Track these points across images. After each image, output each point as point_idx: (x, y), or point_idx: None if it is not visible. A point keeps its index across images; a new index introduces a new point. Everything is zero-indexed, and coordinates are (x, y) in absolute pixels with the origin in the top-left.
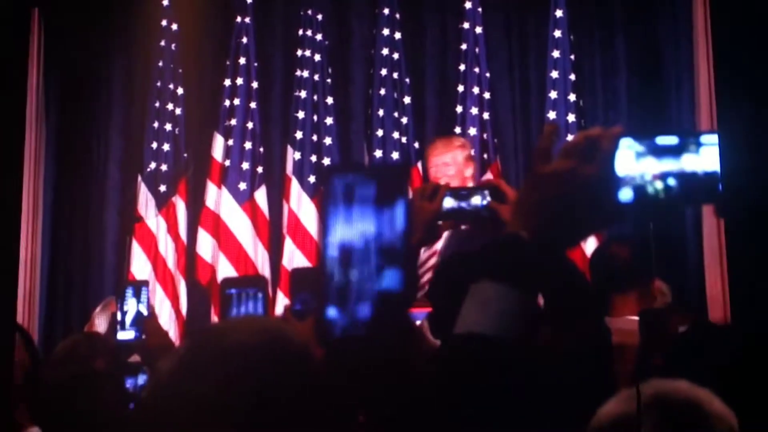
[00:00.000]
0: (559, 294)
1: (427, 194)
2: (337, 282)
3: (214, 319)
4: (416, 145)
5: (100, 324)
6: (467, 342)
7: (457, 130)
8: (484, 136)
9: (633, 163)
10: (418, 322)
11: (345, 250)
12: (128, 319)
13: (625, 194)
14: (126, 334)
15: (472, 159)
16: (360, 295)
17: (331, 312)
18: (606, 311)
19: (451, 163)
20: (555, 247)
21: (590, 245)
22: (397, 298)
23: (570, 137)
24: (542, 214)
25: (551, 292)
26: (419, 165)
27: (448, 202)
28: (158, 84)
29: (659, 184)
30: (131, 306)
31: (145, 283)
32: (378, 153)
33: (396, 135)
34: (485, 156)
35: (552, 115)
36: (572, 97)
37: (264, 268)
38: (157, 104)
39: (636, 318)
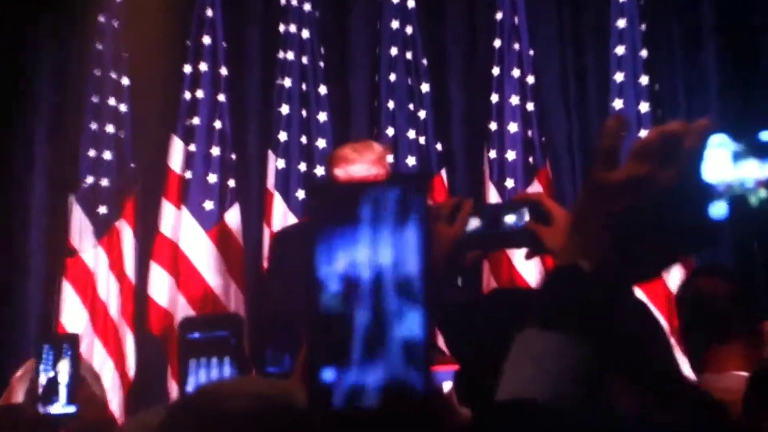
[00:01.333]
0: (633, 344)
1: (445, 214)
2: (333, 332)
3: (172, 383)
4: (438, 146)
5: (23, 393)
6: (513, 413)
7: (493, 126)
8: (528, 133)
9: (728, 166)
10: (445, 387)
11: (342, 290)
12: (53, 387)
13: (719, 208)
14: (53, 407)
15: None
16: (366, 351)
17: (327, 374)
18: (702, 366)
19: (382, 174)
20: (626, 281)
21: (674, 277)
22: (418, 355)
23: (643, 134)
24: (607, 237)
25: (622, 342)
26: (443, 173)
27: (474, 224)
28: (97, 73)
29: (764, 193)
30: (61, 369)
31: (74, 338)
32: (390, 158)
33: (411, 134)
34: (530, 160)
35: (618, 104)
36: (644, 80)
37: (238, 311)
38: (96, 99)
39: (743, 374)
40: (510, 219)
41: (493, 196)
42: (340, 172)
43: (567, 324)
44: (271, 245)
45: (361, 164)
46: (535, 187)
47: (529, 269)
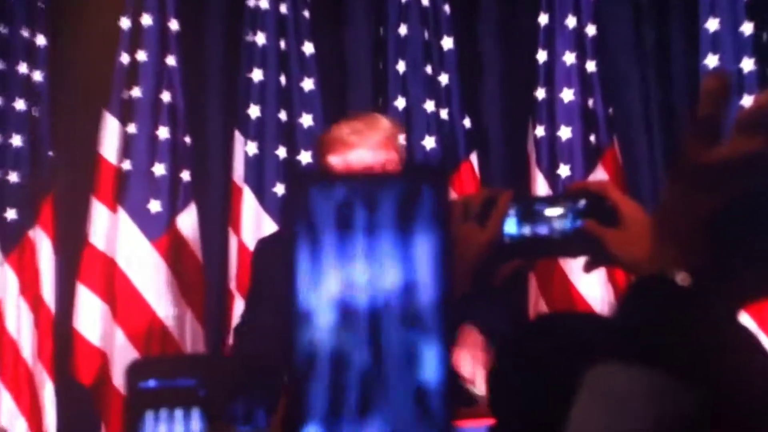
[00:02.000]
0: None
1: (474, 212)
2: (321, 378)
3: None
4: (466, 122)
5: None
6: None
7: (540, 93)
8: (589, 102)
9: None
10: None
11: (333, 322)
12: None
13: None
14: None
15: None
16: (365, 404)
17: None
18: None
19: (393, 160)
20: (732, 301)
21: None
22: (435, 407)
23: (748, 100)
24: (707, 240)
25: (731, 380)
26: (473, 158)
27: (512, 226)
28: (2, 30)
29: None
30: None
31: None
32: (401, 138)
33: (429, 105)
34: (591, 138)
35: (711, 61)
36: (747, 28)
37: (196, 348)
38: (0, 65)
39: None
40: (562, 218)
41: (540, 188)
42: (335, 161)
43: (659, 356)
44: (251, 260)
45: (365, 149)
46: (599, 175)
47: (591, 286)
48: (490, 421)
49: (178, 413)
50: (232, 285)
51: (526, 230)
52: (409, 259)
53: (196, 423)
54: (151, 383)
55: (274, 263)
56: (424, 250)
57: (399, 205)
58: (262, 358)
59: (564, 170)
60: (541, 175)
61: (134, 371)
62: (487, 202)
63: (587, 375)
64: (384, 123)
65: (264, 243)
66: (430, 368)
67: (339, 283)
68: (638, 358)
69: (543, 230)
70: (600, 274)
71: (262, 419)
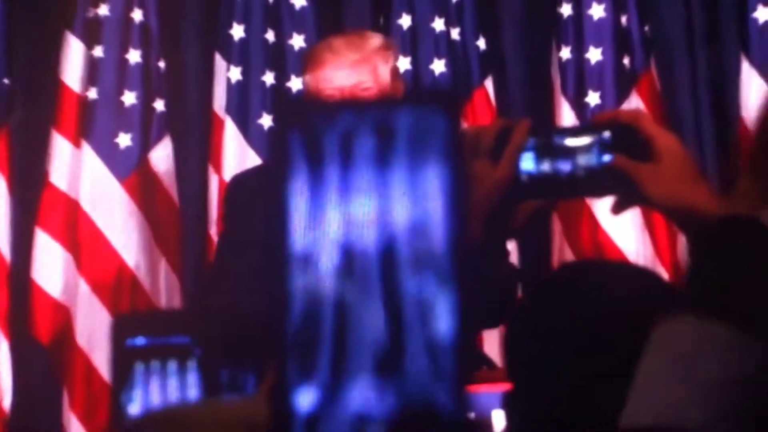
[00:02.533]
0: None
1: (488, 146)
2: (318, 335)
3: (70, 416)
4: (481, 42)
5: None
6: None
7: (565, 9)
8: (622, 20)
9: None
10: (492, 417)
11: (330, 269)
12: None
13: None
14: None
15: (400, 75)
16: (368, 364)
17: (307, 399)
18: None
19: (368, 85)
20: None
21: None
22: (447, 367)
23: None
24: None
25: None
26: (488, 85)
27: (530, 162)
28: None
29: None
30: None
31: None
32: (404, 62)
33: (438, 24)
34: (625, 62)
35: None
36: None
37: (171, 303)
38: None
39: None
40: (588, 152)
41: (565, 118)
42: (308, 80)
43: (747, 312)
44: (224, 201)
45: (338, 69)
46: (633, 104)
47: (624, 231)
48: (505, 387)
49: (172, 366)
50: (213, 230)
51: (546, 166)
52: (418, 195)
53: (193, 377)
54: (140, 340)
55: (252, 204)
56: (434, 185)
57: (406, 135)
58: (238, 313)
59: (593, 98)
60: (567, 103)
61: (121, 327)
62: (501, 135)
63: (655, 333)
64: (370, 41)
65: (239, 181)
66: (443, 321)
67: (340, 221)
68: (720, 311)
69: (565, 166)
70: (634, 218)
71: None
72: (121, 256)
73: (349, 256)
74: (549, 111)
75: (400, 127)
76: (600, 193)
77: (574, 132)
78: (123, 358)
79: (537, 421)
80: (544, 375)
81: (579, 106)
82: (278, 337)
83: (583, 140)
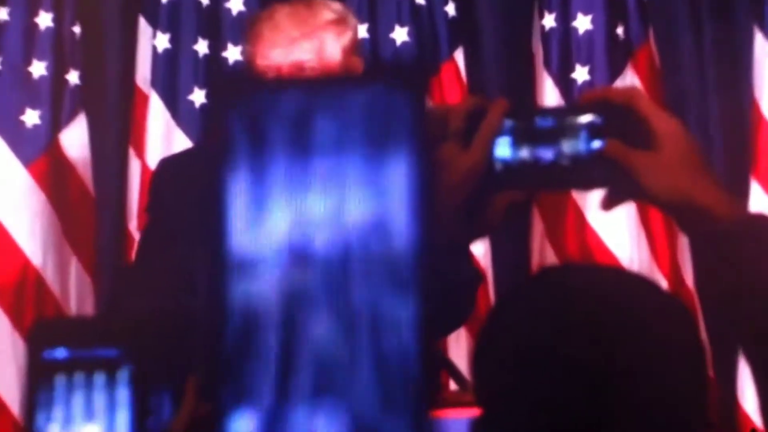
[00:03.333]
0: None
1: (457, 128)
2: (258, 349)
3: None
4: (449, 8)
5: None
6: None
7: None
8: None
9: None
10: None
11: (274, 274)
12: None
13: None
14: None
15: (358, 50)
16: (316, 383)
17: (242, 426)
18: None
19: (311, 64)
20: None
21: None
22: (407, 388)
23: None
24: None
25: None
26: (458, 57)
27: (506, 148)
28: None
29: None
30: None
31: None
32: (360, 30)
33: None
34: (618, 31)
35: None
36: None
37: (83, 308)
38: None
39: None
40: (574, 136)
41: (548, 97)
42: (248, 53)
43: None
44: (150, 188)
45: (276, 46)
46: (628, 80)
47: (616, 229)
48: (474, 412)
49: (99, 380)
50: (133, 225)
51: (525, 153)
52: (378, 188)
53: (123, 390)
54: (61, 353)
55: (183, 193)
56: (396, 176)
57: (364, 117)
58: (167, 321)
59: (581, 74)
60: (550, 79)
61: (38, 337)
62: (473, 116)
63: None
64: (319, 14)
65: (169, 164)
66: (403, 337)
67: (287, 219)
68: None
69: (547, 154)
70: (628, 215)
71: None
72: (25, 254)
73: (296, 260)
74: (529, 88)
75: (356, 109)
76: (587, 184)
77: (558, 113)
78: (40, 372)
79: None
80: (519, 399)
81: (564, 83)
82: (213, 354)
83: (569, 123)
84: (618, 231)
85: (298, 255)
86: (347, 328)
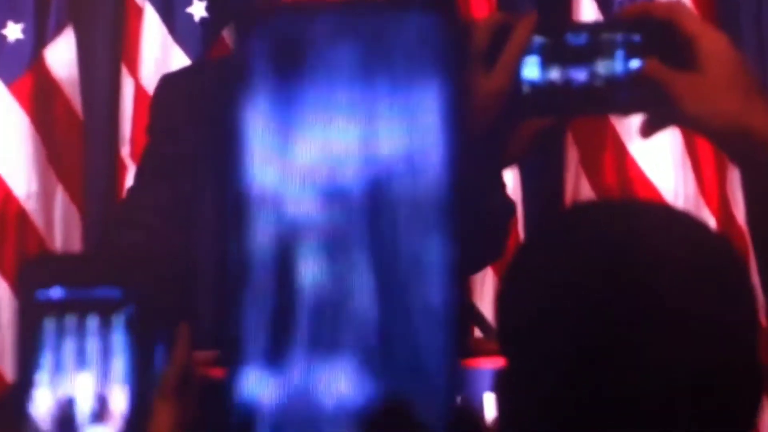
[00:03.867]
0: None
1: (482, 47)
2: (277, 299)
3: None
4: None
5: None
6: None
7: None
8: None
9: None
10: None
11: (302, 203)
12: None
13: None
14: None
15: None
16: (335, 332)
17: (258, 387)
18: None
19: None
20: None
21: None
22: (442, 338)
23: None
24: None
25: None
26: None
27: (534, 68)
28: None
29: None
30: None
31: None
32: None
33: None
34: None
35: None
36: None
37: (70, 244)
38: None
39: None
40: (609, 56)
41: (585, 13)
42: None
43: None
44: (150, 108)
45: None
46: None
47: (659, 159)
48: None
49: (92, 321)
50: (125, 151)
51: (555, 74)
52: (408, 118)
53: (120, 334)
54: (56, 292)
55: (190, 114)
56: (427, 104)
57: (392, 42)
58: (159, 260)
59: None
60: None
61: (30, 274)
62: (498, 33)
63: None
64: None
65: (172, 81)
66: (435, 281)
67: (312, 150)
68: None
69: (580, 75)
70: (673, 144)
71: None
72: (6, 182)
73: (325, 196)
74: (564, 3)
75: (383, 34)
76: (624, 109)
77: (592, 30)
78: (32, 313)
79: (536, 412)
80: (545, 349)
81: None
82: (229, 307)
83: (604, 40)
84: (661, 161)
85: (324, 190)
86: (376, 273)
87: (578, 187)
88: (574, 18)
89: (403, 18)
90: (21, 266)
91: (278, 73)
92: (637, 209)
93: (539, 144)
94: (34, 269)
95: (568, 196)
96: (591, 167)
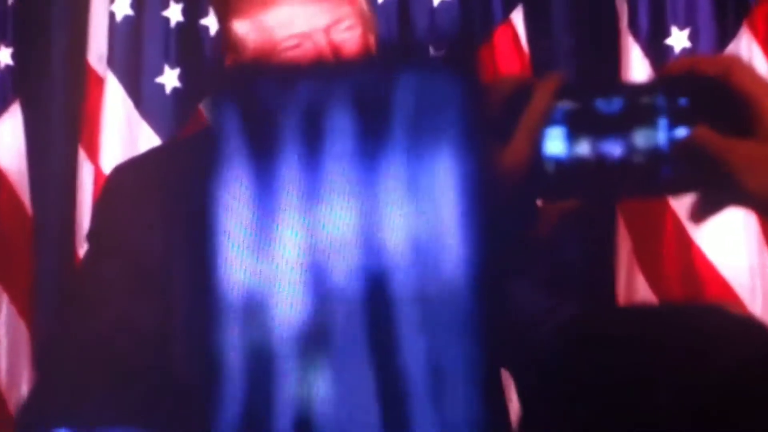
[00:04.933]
0: None
1: (497, 116)
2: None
3: None
4: None
5: None
6: None
7: None
8: None
9: None
10: None
11: (290, 318)
12: None
13: None
14: None
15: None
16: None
17: None
18: None
19: (350, 23)
20: None
21: None
22: None
23: None
24: None
25: None
26: (516, 19)
27: (558, 141)
28: None
29: None
30: None
31: None
32: None
33: None
34: None
35: None
36: None
37: (14, 364)
38: None
39: None
40: (650, 123)
41: (635, 69)
42: (243, 28)
43: None
44: (95, 209)
45: (301, 3)
46: (744, 47)
47: (728, 246)
48: None
49: None
50: (84, 250)
51: (585, 149)
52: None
53: None
54: None
55: (149, 208)
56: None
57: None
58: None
59: (678, 39)
60: (638, 47)
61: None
62: (514, 98)
63: None
64: None
65: (124, 174)
66: (458, 398)
67: (303, 241)
68: None
69: (615, 148)
70: (747, 225)
71: None
72: None
73: (318, 297)
74: (611, 59)
75: (391, 98)
76: (672, 188)
77: (629, 92)
78: None
79: None
80: None
81: (656, 51)
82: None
83: (644, 105)
84: (733, 249)
85: (320, 291)
86: (392, 392)
87: (632, 283)
88: (623, 74)
89: (409, 77)
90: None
91: (261, 149)
92: (705, 318)
93: (570, 224)
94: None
95: (620, 292)
96: (647, 258)
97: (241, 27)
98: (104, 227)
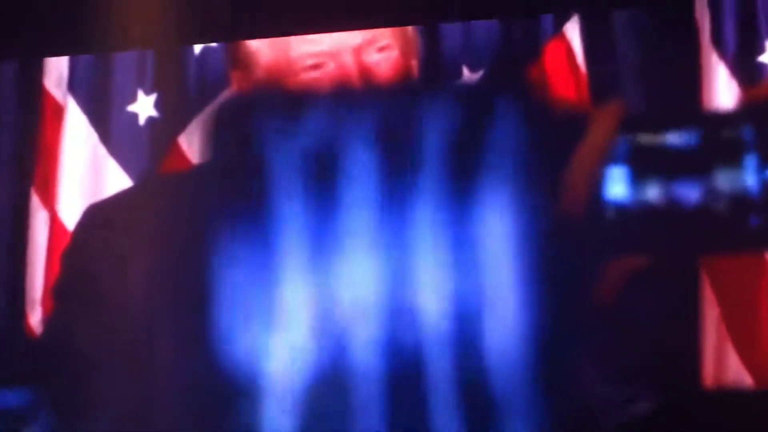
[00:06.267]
0: None
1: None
2: None
3: None
4: None
5: None
6: None
7: None
8: None
9: None
10: None
11: (298, 395)
12: None
13: None
14: None
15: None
16: None
17: None
18: None
19: (386, 42)
20: None
21: None
22: None
23: None
24: None
25: None
26: (570, 31)
27: (621, 184)
28: None
29: None
30: None
31: None
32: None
33: None
34: None
35: None
36: None
37: None
38: None
39: None
40: (734, 162)
41: (719, 91)
42: (255, 44)
43: None
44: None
45: (333, 45)
46: None
47: None
48: None
49: None
50: (36, 317)
51: (653, 192)
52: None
53: None
54: None
55: (127, 258)
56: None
57: (431, 146)
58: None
59: None
60: (723, 65)
61: None
62: (570, 128)
63: None
64: None
65: (100, 215)
66: None
67: (310, 308)
68: None
69: (690, 192)
70: None
71: None
72: None
73: (332, 377)
74: (688, 81)
75: (422, 131)
76: (761, 242)
77: (708, 122)
78: None
79: None
80: None
81: (746, 71)
82: None
83: (726, 139)
84: None
85: (329, 367)
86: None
87: (721, 360)
88: (705, 97)
89: (443, 106)
90: None
91: (263, 192)
92: None
93: (645, 297)
94: None
95: (707, 373)
96: (739, 328)
97: (252, 41)
98: (73, 274)
